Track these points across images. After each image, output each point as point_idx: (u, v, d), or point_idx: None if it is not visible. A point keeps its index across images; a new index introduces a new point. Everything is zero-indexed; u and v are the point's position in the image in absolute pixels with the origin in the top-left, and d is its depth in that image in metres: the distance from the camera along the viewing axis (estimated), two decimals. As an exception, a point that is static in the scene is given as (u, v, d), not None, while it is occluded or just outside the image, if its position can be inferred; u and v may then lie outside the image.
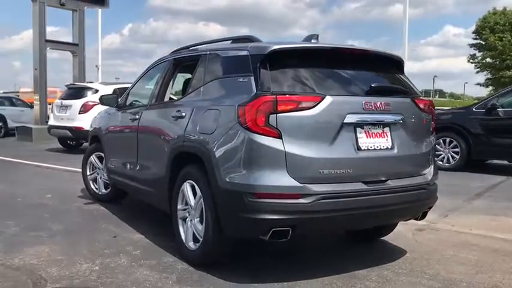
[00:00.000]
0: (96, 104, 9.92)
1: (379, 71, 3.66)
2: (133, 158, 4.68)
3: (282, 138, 3.01)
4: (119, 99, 5.30)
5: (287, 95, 3.08)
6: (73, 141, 12.09)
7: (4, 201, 5.79)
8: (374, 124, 3.33)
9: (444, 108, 14.84)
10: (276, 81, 3.16)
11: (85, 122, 9.92)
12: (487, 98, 9.02)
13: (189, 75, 4.40)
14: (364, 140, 3.27)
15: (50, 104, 15.00)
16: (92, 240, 4.13)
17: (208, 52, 3.90)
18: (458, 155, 8.66)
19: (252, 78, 3.18)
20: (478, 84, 49.54)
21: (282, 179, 3.00)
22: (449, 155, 8.75)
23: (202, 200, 3.39)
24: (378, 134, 3.33)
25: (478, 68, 46.83)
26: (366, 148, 3.27)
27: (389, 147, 3.38)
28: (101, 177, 5.78)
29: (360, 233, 4.21)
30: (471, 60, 46.56)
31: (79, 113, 10.97)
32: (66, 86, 12.67)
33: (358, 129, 3.26)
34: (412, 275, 3.42)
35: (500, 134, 8.38)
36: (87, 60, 16.99)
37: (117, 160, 5.17)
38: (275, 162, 3.00)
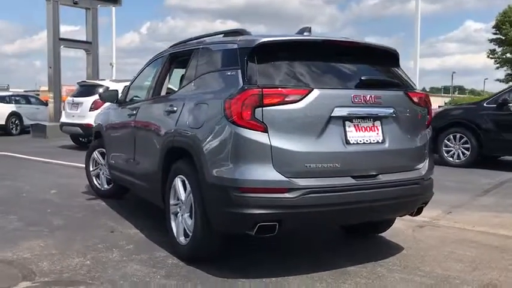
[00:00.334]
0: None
1: (371, 63, 3.58)
2: (131, 153, 4.69)
3: (268, 132, 2.97)
4: (120, 95, 5.32)
5: (273, 88, 3.04)
6: (85, 138, 12.20)
7: (10, 197, 5.87)
8: (364, 117, 3.26)
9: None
10: (263, 75, 3.12)
11: (96, 119, 10.01)
12: (498, 93, 8.79)
13: (183, 70, 4.39)
14: (354, 134, 3.20)
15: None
16: (88, 235, 4.15)
17: (201, 46, 3.89)
18: (468, 151, 8.47)
19: (240, 71, 3.15)
20: (498, 80, 48.64)
21: (267, 173, 2.96)
22: (460, 151, 8.58)
23: (191, 195, 3.38)
24: (368, 128, 3.27)
25: (498, 63, 45.84)
26: (355, 142, 3.20)
27: (380, 141, 3.31)
28: (103, 173, 5.81)
29: (354, 229, 4.14)
30: (491, 56, 45.63)
31: (90, 110, 11.09)
32: (78, 83, 12.83)
33: (347, 123, 3.20)
34: (405, 272, 3.35)
35: (511, 129, 8.18)
36: (105, 58, 17.16)
37: (117, 156, 5.20)
38: (261, 157, 2.97)
